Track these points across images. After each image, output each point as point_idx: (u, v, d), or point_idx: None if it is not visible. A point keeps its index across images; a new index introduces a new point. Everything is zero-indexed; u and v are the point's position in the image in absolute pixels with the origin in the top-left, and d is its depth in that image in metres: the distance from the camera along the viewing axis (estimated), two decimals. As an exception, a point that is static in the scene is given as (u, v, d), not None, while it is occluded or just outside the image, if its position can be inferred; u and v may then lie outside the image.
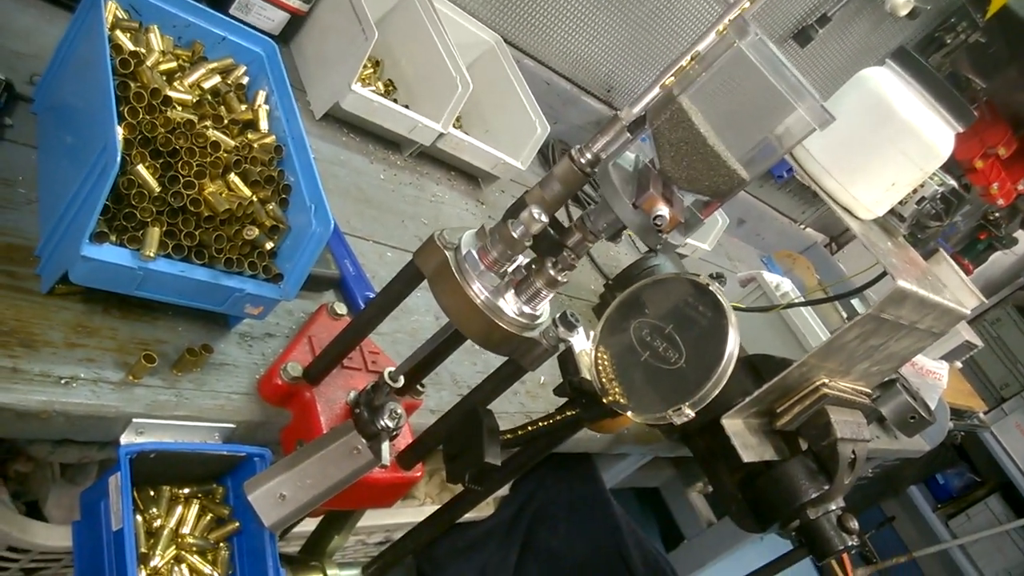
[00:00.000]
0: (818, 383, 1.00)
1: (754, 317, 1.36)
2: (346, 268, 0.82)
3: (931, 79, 0.88)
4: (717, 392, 0.55)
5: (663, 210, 0.49)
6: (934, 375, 2.13)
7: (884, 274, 0.95)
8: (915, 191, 1.03)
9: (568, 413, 0.62)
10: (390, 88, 1.16)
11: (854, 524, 1.03)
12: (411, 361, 0.69)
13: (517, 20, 1.36)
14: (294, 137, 0.70)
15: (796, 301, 1.32)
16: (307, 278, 0.76)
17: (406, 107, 1.15)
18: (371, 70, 1.15)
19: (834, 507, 1.04)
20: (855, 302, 1.96)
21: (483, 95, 1.31)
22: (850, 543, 1.02)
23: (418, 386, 0.75)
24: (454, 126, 1.27)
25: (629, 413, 0.57)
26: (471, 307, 0.57)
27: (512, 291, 0.58)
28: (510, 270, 0.60)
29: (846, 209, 0.95)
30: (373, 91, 1.12)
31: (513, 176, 1.21)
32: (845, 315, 1.87)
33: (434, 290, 0.59)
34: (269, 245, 0.63)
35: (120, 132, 0.54)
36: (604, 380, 0.58)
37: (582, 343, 0.62)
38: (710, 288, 0.56)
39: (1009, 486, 3.52)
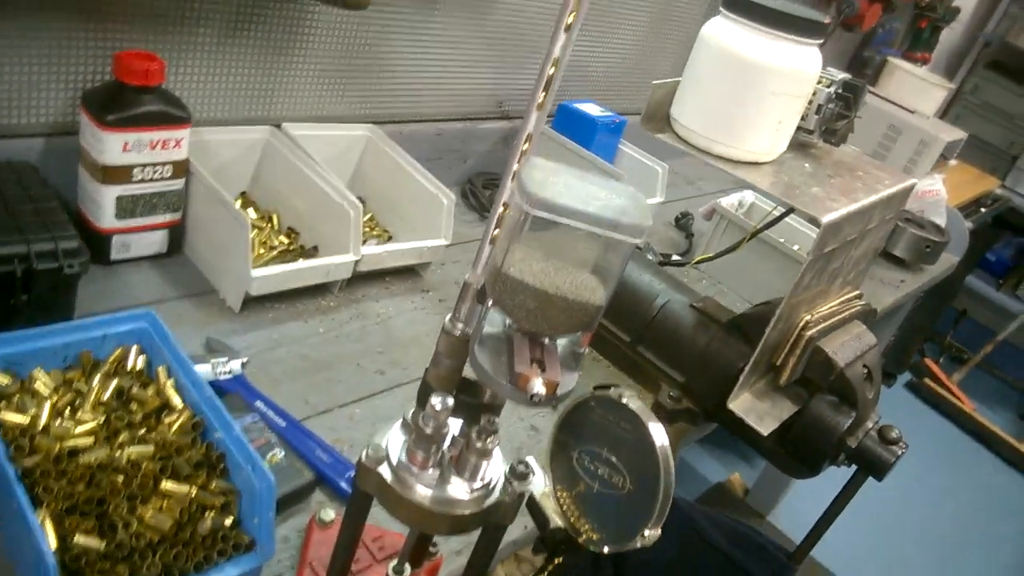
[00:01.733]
0: (800, 324, 1.00)
1: (747, 255, 1.35)
2: (319, 460, 0.84)
3: (767, 12, 0.86)
4: (669, 504, 0.56)
5: (537, 387, 0.49)
6: (931, 193, 2.10)
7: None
8: (809, 103, 1.01)
9: (554, 564, 0.63)
10: (292, 236, 1.17)
11: (895, 433, 1.03)
12: (409, 542, 0.71)
13: (380, 99, 1.36)
14: (206, 401, 0.71)
15: (759, 227, 1.31)
16: (283, 499, 0.78)
17: (314, 249, 1.15)
18: (266, 226, 1.16)
19: (870, 424, 1.04)
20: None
21: (383, 188, 1.31)
22: (900, 452, 1.03)
23: (430, 548, 0.77)
24: (370, 231, 1.28)
25: (605, 549, 0.58)
26: (424, 511, 0.58)
27: (454, 474, 0.59)
28: (445, 450, 0.61)
29: (751, 163, 0.94)
30: (278, 249, 1.13)
31: (443, 251, 1.22)
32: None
33: (385, 507, 0.60)
34: (229, 520, 0.65)
35: (51, 541, 0.56)
36: (572, 520, 0.59)
37: (541, 484, 0.63)
38: (620, 401, 0.56)
39: (1058, 234, 3.48)
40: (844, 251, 1.00)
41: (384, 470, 0.59)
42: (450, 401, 0.56)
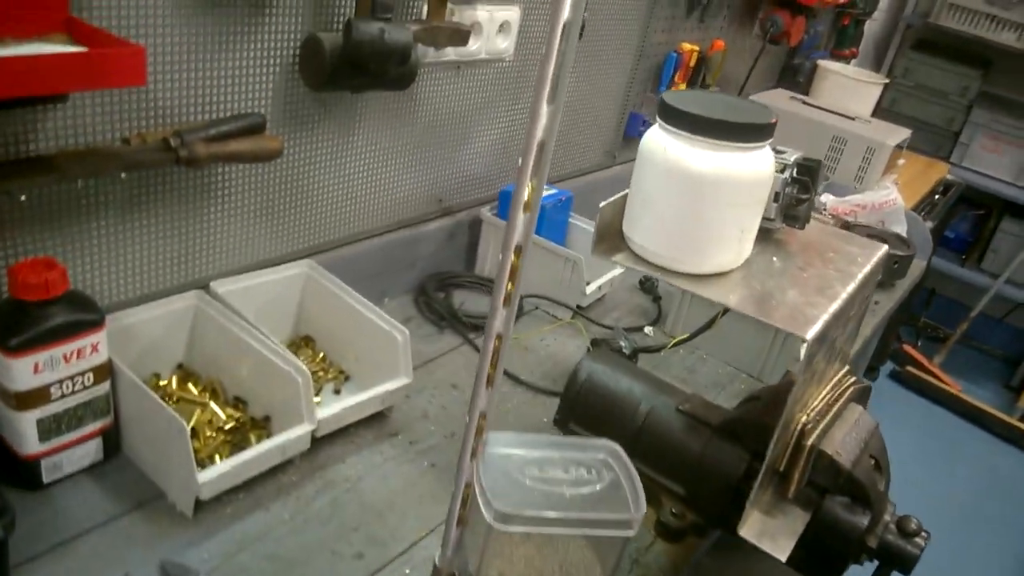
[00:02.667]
0: (798, 429, 0.93)
1: (727, 322, 1.28)
2: None
3: (710, 123, 0.79)
4: None
5: None
6: (888, 203, 2.06)
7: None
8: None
9: None
10: (240, 407, 1.07)
11: (915, 524, 0.96)
12: None
13: (312, 231, 1.27)
14: None
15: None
16: None
17: (265, 419, 1.06)
18: (209, 401, 1.06)
19: (888, 518, 0.98)
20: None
21: (331, 326, 1.22)
22: (923, 543, 0.96)
23: None
24: (324, 375, 1.19)
25: None
26: None
27: None
28: None
29: (715, 274, 0.87)
30: (226, 427, 1.04)
31: (406, 389, 1.13)
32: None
33: None
34: None
35: None
36: None
37: None
38: None
39: (1011, 203, 3.49)
40: (832, 345, 0.93)
41: None
42: None
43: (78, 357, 0.88)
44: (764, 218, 0.93)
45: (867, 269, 0.96)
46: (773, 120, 0.83)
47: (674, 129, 0.82)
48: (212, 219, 1.11)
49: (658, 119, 0.84)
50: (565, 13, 0.40)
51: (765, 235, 0.97)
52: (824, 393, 1.01)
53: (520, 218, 0.40)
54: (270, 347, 1.02)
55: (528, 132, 0.40)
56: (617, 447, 0.43)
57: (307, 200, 1.24)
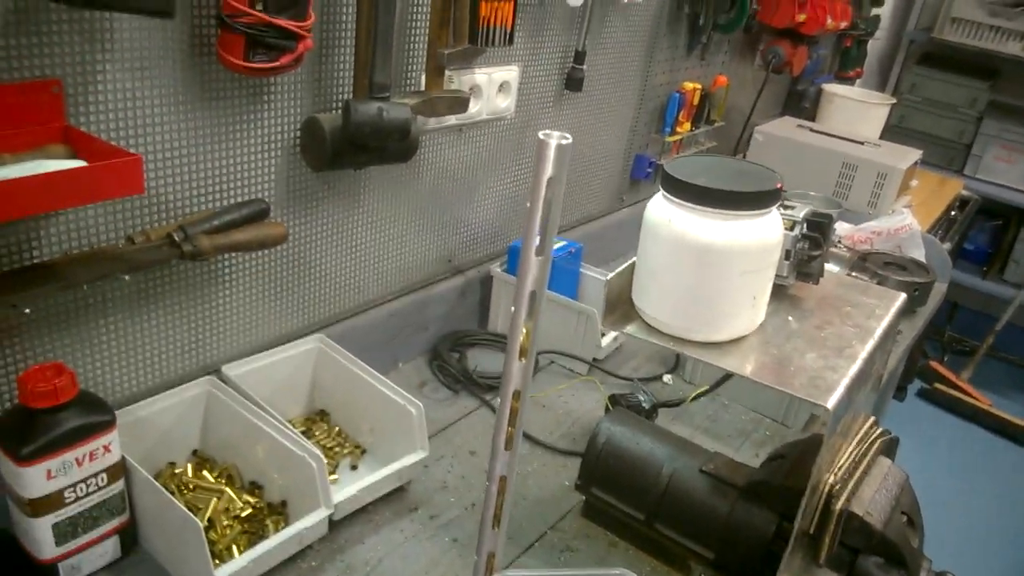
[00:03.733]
0: (826, 491, 0.90)
1: None
2: None
3: (715, 194, 0.78)
4: None
5: None
6: (903, 229, 2.04)
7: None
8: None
9: None
10: (256, 493, 1.06)
11: (954, 581, 0.94)
12: None
13: (321, 305, 1.27)
14: None
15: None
16: None
17: (282, 504, 1.05)
18: (226, 489, 1.05)
19: (924, 575, 0.95)
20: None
21: (344, 399, 1.21)
22: (964, 602, 0.93)
23: None
24: (340, 450, 1.18)
25: None
26: None
27: None
28: None
29: (730, 341, 0.85)
30: (243, 515, 1.02)
31: (423, 462, 1.12)
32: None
33: None
34: None
35: None
36: None
37: None
38: None
39: (1029, 212, 3.44)
40: (855, 404, 0.91)
41: None
42: None
43: (90, 460, 0.88)
44: (777, 275, 0.92)
45: (886, 322, 0.94)
46: (779, 184, 0.82)
47: (678, 200, 0.80)
48: (220, 305, 1.11)
49: (661, 189, 0.83)
50: (549, 170, 0.39)
51: (778, 292, 0.95)
52: (851, 448, 0.98)
53: (516, 365, 0.39)
54: (284, 432, 1.02)
55: (518, 284, 0.39)
56: (630, 574, 0.41)
57: (315, 276, 1.23)
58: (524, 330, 0.40)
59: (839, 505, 0.89)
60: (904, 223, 2.03)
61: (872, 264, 1.85)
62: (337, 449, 1.18)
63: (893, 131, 3.23)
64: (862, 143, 2.34)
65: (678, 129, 1.99)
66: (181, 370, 1.10)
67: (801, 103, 2.72)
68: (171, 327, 1.06)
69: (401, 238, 1.36)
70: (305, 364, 1.22)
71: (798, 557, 0.94)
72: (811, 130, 2.42)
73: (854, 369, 0.83)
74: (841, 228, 2.05)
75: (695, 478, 1.06)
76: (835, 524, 0.90)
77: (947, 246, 2.36)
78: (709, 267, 0.80)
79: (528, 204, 0.44)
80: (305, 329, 1.25)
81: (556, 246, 1.55)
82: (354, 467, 1.17)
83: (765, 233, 0.81)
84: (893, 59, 3.62)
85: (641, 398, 1.33)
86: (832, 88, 2.73)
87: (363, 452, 1.20)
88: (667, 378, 1.51)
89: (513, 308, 0.45)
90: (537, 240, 0.40)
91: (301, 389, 1.23)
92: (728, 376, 1.24)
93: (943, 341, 3.80)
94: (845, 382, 0.80)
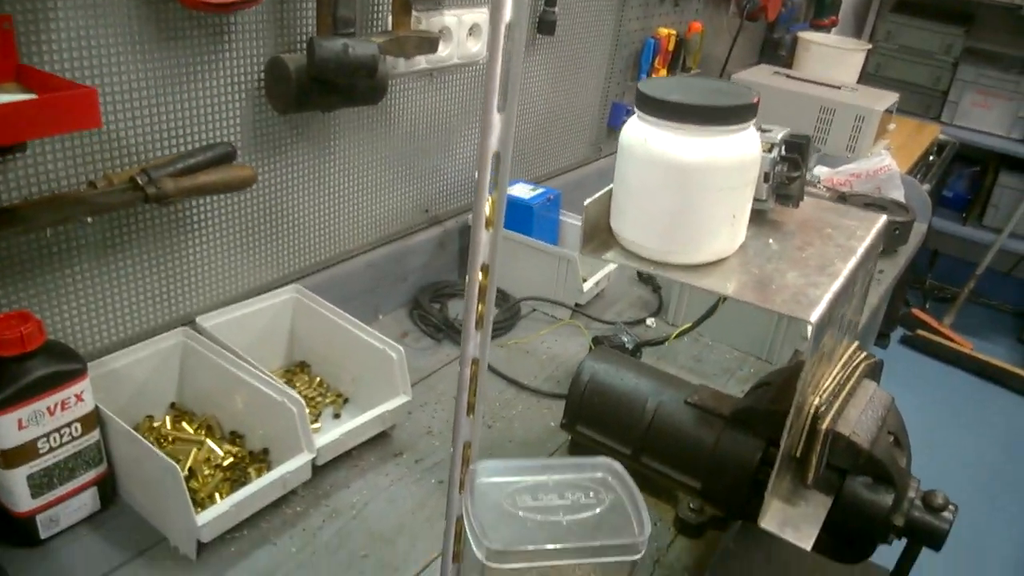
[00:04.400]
0: (812, 413, 0.90)
1: (731, 305, 1.24)
2: None
3: (691, 110, 0.76)
4: None
5: None
6: (883, 170, 2.03)
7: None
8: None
9: None
10: (237, 442, 1.05)
11: (941, 498, 0.93)
12: None
13: (296, 255, 1.25)
14: None
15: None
16: None
17: (264, 452, 1.03)
18: (205, 439, 1.03)
19: (912, 494, 0.95)
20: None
21: (324, 349, 1.19)
22: (952, 517, 0.93)
23: None
24: (322, 399, 1.16)
25: None
26: None
27: None
28: None
29: (711, 263, 0.84)
30: (224, 463, 1.01)
31: (406, 407, 1.10)
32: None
33: None
34: None
35: None
36: None
37: None
38: None
39: (1006, 157, 3.45)
40: (839, 323, 0.90)
41: None
42: None
43: (63, 409, 0.86)
44: (756, 199, 0.90)
45: (867, 242, 0.93)
46: (755, 99, 0.80)
47: (653, 119, 0.79)
48: (192, 253, 1.09)
49: (636, 109, 0.81)
50: (507, 14, 0.37)
51: (758, 217, 0.94)
52: (835, 372, 0.98)
53: (484, 236, 0.37)
54: (262, 379, 1.00)
55: (481, 144, 0.37)
56: (615, 464, 0.40)
57: (288, 224, 1.21)
58: (489, 199, 0.38)
59: (825, 425, 0.88)
60: (883, 164, 2.03)
61: (852, 205, 1.84)
62: (319, 399, 1.17)
63: (869, 79, 3.21)
64: (839, 87, 2.33)
65: (654, 76, 1.97)
66: (154, 322, 1.07)
67: (777, 51, 2.70)
68: (141, 277, 1.04)
69: (376, 187, 1.34)
70: (282, 315, 1.20)
71: (785, 480, 0.94)
72: (787, 76, 2.40)
73: (837, 285, 0.82)
74: (820, 171, 2.05)
75: (680, 410, 1.05)
76: (821, 445, 0.89)
77: (926, 187, 2.35)
78: (687, 185, 0.78)
79: (486, 55, 0.41)
80: (281, 280, 1.23)
81: (534, 193, 1.54)
82: (336, 416, 1.15)
83: (742, 149, 0.79)
84: (868, 7, 3.60)
85: (625, 339, 1.32)
86: (808, 35, 2.71)
87: (345, 401, 1.18)
88: (650, 321, 1.50)
89: (476, 173, 0.42)
90: (497, 97, 0.38)
91: (279, 340, 1.21)
92: (712, 311, 1.22)
93: (924, 289, 3.82)
94: (828, 297, 0.79)
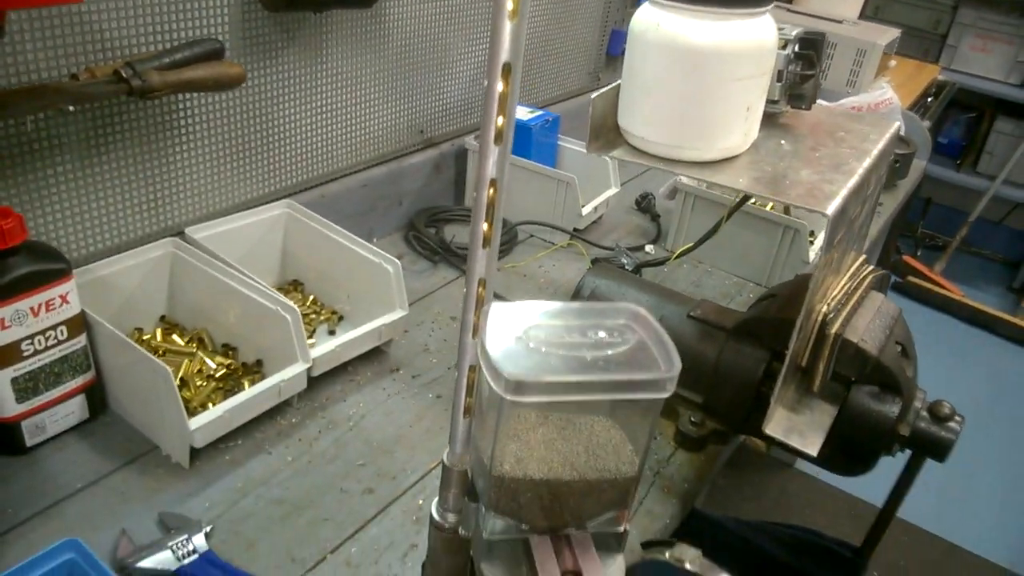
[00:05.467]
0: (820, 320, 0.88)
1: (723, 229, 1.21)
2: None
3: (702, -11, 0.72)
4: None
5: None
6: (884, 103, 2.00)
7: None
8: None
9: None
10: (230, 354, 1.02)
11: (948, 408, 0.92)
12: None
13: (288, 170, 1.21)
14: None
15: (734, 206, 1.18)
16: None
17: (257, 364, 1.01)
18: (197, 351, 1.00)
19: (919, 405, 0.93)
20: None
21: (318, 266, 1.16)
22: (958, 428, 0.92)
23: None
24: (316, 316, 1.14)
25: None
26: None
27: None
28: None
29: (722, 160, 0.81)
30: (216, 374, 0.98)
31: (403, 322, 1.07)
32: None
33: None
34: None
35: None
36: None
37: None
38: (683, 569, 0.43)
39: (1003, 102, 3.42)
40: (850, 227, 0.88)
41: None
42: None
43: (47, 310, 0.83)
44: (768, 101, 0.87)
45: (881, 144, 0.90)
46: (770, -13, 0.76)
47: (666, 1, 0.75)
48: (179, 160, 1.05)
49: (646, -6, 0.77)
50: None
51: (769, 121, 0.90)
52: (843, 283, 0.96)
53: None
54: (255, 288, 0.97)
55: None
56: (640, 309, 0.37)
57: (279, 136, 1.17)
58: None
59: (834, 330, 0.86)
60: (885, 97, 1.99)
61: (864, 114, 1.81)
62: (313, 317, 1.14)
63: (869, 21, 3.15)
64: (840, 22, 2.28)
65: None
66: (141, 231, 1.04)
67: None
68: (128, 181, 1.00)
69: (369, 102, 1.30)
70: (275, 230, 1.16)
71: (790, 390, 0.92)
72: (788, 10, 2.35)
73: (852, 182, 0.79)
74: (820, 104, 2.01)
75: (682, 324, 1.03)
76: (829, 350, 0.87)
77: (926, 124, 2.32)
78: (701, 73, 0.75)
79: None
80: (273, 195, 1.19)
81: (533, 115, 1.49)
82: (331, 332, 1.13)
83: (759, 35, 0.75)
84: (869, -53, 3.52)
85: (624, 261, 1.29)
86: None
87: (340, 319, 1.15)
88: (649, 248, 1.48)
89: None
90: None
91: (272, 257, 1.17)
92: (715, 230, 1.20)
93: (916, 237, 3.81)
94: (844, 192, 0.77)
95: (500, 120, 0.36)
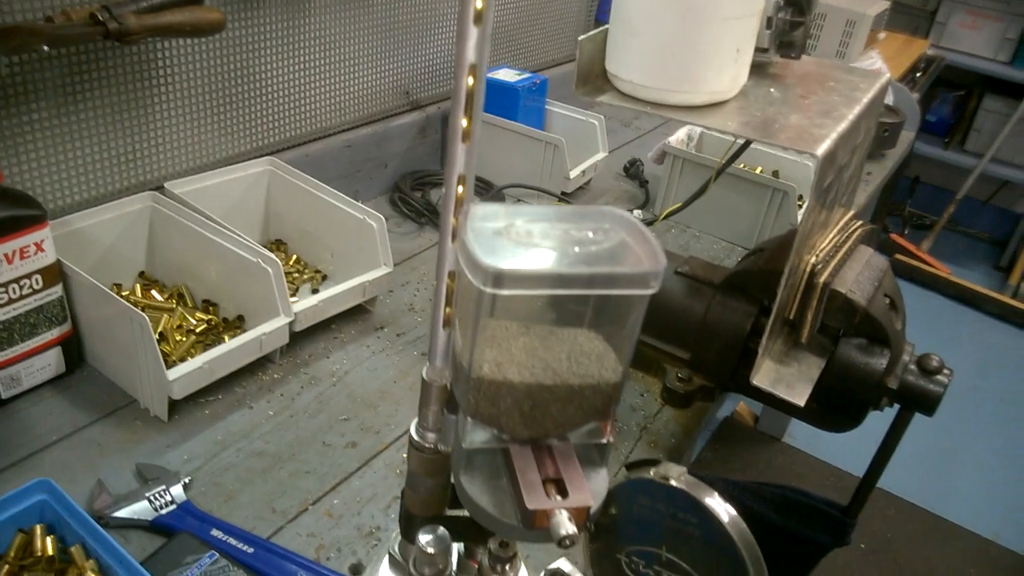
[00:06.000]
0: (808, 270, 0.87)
1: (711, 191, 1.20)
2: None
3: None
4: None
5: (564, 526, 0.35)
6: (874, 72, 1.98)
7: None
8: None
9: None
10: (211, 309, 1.00)
11: (936, 361, 0.91)
12: None
13: (271, 127, 1.19)
14: (132, 572, 0.56)
15: (722, 164, 1.17)
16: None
17: (239, 319, 0.99)
18: (177, 307, 0.99)
19: (907, 358, 0.93)
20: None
21: (302, 224, 1.14)
22: (947, 380, 0.92)
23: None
24: (300, 275, 1.12)
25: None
26: None
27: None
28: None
29: (712, 105, 0.80)
30: (196, 329, 0.97)
31: (387, 280, 1.06)
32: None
33: None
34: None
35: None
36: (642, 640, 0.46)
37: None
38: (667, 484, 0.42)
39: (991, 80, 3.42)
40: (839, 176, 0.87)
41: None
42: (445, 536, 0.42)
43: (21, 257, 0.81)
44: (758, 49, 0.86)
45: (872, 94, 0.89)
46: (761, -79, 0.75)
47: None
48: (159, 111, 1.02)
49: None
50: None
51: (758, 70, 0.89)
52: (832, 236, 0.95)
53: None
54: (236, 241, 0.95)
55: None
56: (624, 212, 0.36)
57: (261, 90, 1.15)
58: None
59: (822, 278, 0.85)
60: (875, 67, 1.99)
61: (854, 66, 1.80)
62: (296, 276, 1.12)
63: (859, -4, 3.14)
64: (830, -7, 2.26)
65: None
66: (119, 183, 1.02)
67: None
68: (105, 131, 0.98)
69: (353, 60, 1.27)
70: (257, 187, 1.14)
71: (778, 343, 0.91)
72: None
73: (842, 127, 0.78)
74: (810, 74, 1.99)
75: (669, 280, 1.02)
76: (818, 300, 0.87)
77: (915, 96, 2.32)
78: (691, 10, 0.73)
79: None
80: (255, 152, 1.17)
81: (519, 77, 1.48)
82: (315, 291, 1.11)
83: (747, -25, 0.74)
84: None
85: (612, 222, 1.28)
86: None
87: (324, 278, 1.14)
88: (637, 213, 1.46)
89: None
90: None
91: (254, 215, 1.16)
92: (702, 191, 1.18)
93: (903, 216, 3.82)
94: (833, 136, 0.76)
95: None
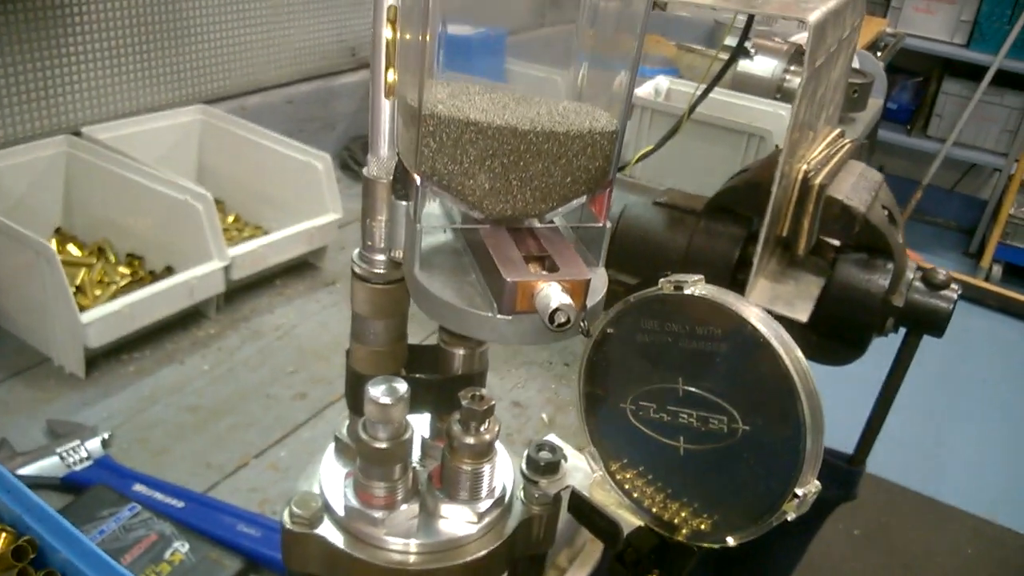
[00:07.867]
0: (802, 176, 0.79)
1: (685, 143, 1.12)
2: (245, 538, 0.58)
3: None
4: (822, 430, 0.32)
5: (556, 296, 0.26)
6: (838, 38, 1.94)
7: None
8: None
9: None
10: (135, 263, 0.89)
11: (942, 275, 0.83)
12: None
13: (204, 74, 1.09)
14: (33, 511, 0.45)
15: (694, 100, 1.09)
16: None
17: (167, 270, 0.88)
18: (98, 261, 0.88)
19: (911, 275, 0.85)
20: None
21: (239, 177, 1.04)
22: (955, 296, 0.84)
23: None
24: (239, 233, 1.01)
25: (729, 540, 0.34)
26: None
27: (446, 501, 0.35)
28: (417, 467, 0.37)
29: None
30: (119, 283, 0.85)
31: (336, 228, 0.96)
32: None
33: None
34: None
35: None
36: (656, 510, 0.36)
37: (584, 473, 0.39)
38: (684, 294, 0.33)
39: (949, 62, 3.42)
40: (826, 72, 0.79)
41: (328, 531, 0.35)
42: (402, 386, 0.32)
43: (-97, 186, 0.69)
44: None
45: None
46: None
47: None
48: (74, 47, 0.92)
49: None
50: None
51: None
52: (821, 149, 0.87)
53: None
54: (160, 179, 0.84)
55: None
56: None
57: (189, 34, 1.05)
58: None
59: (818, 181, 0.77)
60: (839, 31, 1.94)
61: None
62: (235, 235, 1.02)
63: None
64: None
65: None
66: (30, 128, 0.91)
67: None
68: (11, 64, 0.87)
69: (290, 10, 1.18)
70: (188, 137, 1.04)
71: (772, 262, 0.83)
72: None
73: (832, 3, 0.70)
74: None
75: (649, 213, 0.93)
76: (814, 206, 0.78)
77: (880, 63, 2.28)
78: None
79: None
80: (185, 100, 1.07)
81: (478, 30, 1.39)
82: (257, 248, 1.00)
83: None
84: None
85: (580, 171, 1.19)
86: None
87: (266, 234, 1.03)
88: (606, 172, 1.38)
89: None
90: None
91: (186, 167, 1.05)
92: (675, 130, 1.10)
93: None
94: (825, 8, 0.68)
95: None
